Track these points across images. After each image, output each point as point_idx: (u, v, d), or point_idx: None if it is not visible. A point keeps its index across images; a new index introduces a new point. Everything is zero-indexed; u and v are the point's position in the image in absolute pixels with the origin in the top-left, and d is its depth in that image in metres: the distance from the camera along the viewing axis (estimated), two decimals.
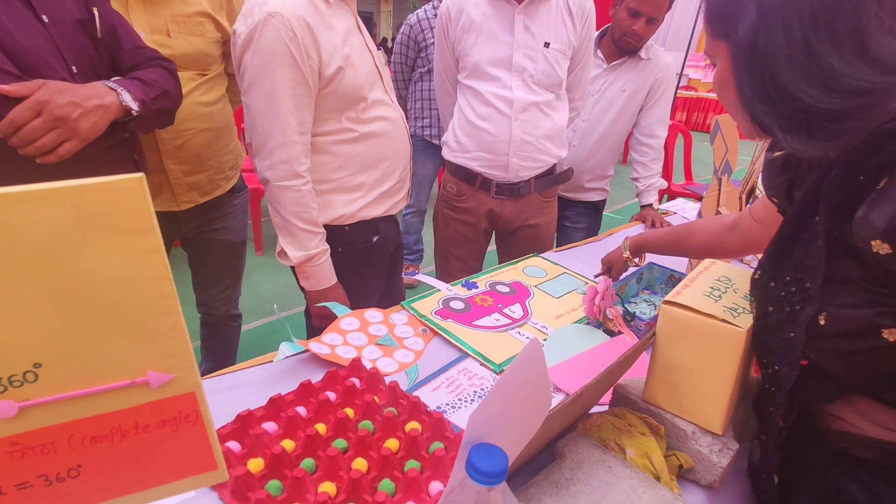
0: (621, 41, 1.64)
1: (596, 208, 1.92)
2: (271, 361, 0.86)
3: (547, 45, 1.38)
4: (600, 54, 1.71)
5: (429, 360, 0.93)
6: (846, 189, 0.49)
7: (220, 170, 1.37)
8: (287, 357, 0.87)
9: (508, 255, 1.63)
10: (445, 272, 1.68)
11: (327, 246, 1.15)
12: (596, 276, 1.25)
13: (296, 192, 1.08)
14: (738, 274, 0.74)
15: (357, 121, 1.13)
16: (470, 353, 0.94)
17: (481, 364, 0.92)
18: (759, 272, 0.61)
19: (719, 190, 1.26)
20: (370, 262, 1.30)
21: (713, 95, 9.63)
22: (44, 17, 0.85)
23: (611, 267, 1.17)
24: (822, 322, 0.52)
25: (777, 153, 0.70)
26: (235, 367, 0.86)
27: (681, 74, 7.11)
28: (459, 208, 1.58)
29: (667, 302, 0.66)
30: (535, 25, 1.37)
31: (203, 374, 0.67)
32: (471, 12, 1.39)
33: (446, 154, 1.56)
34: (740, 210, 1.39)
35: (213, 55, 1.28)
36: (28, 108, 0.78)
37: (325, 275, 1.17)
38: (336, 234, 1.21)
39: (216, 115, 1.31)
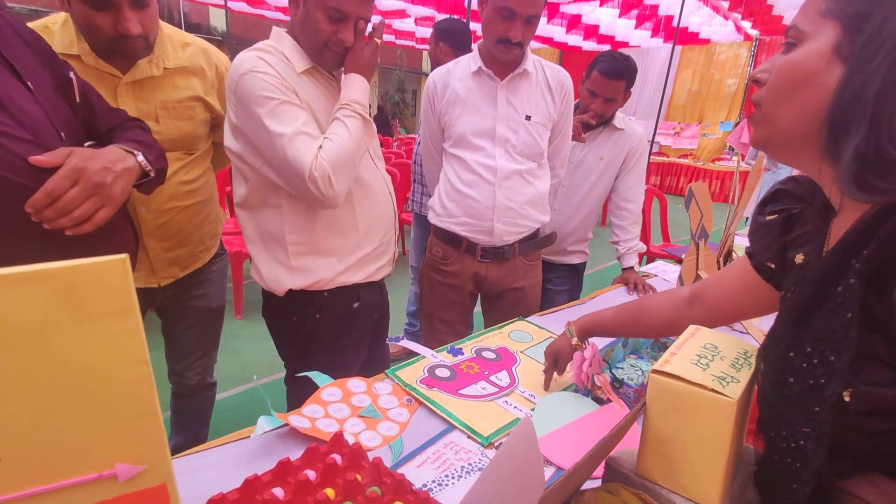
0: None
1: (577, 270, 1.95)
2: (248, 437, 0.82)
3: (528, 117, 1.45)
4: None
5: (414, 433, 0.89)
6: (882, 265, 0.46)
7: (200, 242, 1.36)
8: (265, 432, 0.83)
9: (494, 318, 1.62)
10: (431, 336, 1.66)
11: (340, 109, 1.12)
12: (543, 371, 1.05)
13: (322, 160, 1.04)
14: (724, 341, 0.74)
15: None
16: (457, 424, 0.91)
17: (468, 437, 0.89)
18: (771, 340, 0.59)
19: (697, 254, 1.29)
20: (351, 330, 1.28)
21: (684, 161, 10.12)
22: (29, 83, 0.84)
23: (557, 359, 1.01)
24: (846, 399, 0.49)
25: (770, 216, 0.69)
26: (209, 444, 0.81)
27: (652, 141, 7.49)
28: (445, 272, 1.58)
29: (656, 371, 0.65)
30: (516, 100, 1.45)
31: (172, 450, 0.62)
32: (456, 87, 1.47)
33: (432, 219, 1.59)
34: None
35: (201, 135, 1.29)
36: (65, 177, 0.75)
37: (355, 87, 1.13)
38: (314, 300, 1.20)
39: (198, 190, 1.31)
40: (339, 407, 0.93)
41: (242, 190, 1.17)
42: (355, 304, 1.25)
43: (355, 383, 1.00)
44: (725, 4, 7.36)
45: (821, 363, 0.51)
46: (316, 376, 1.00)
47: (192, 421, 1.64)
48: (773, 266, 0.70)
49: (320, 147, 1.05)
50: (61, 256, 0.86)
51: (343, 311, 1.24)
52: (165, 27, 1.21)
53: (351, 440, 0.83)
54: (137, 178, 0.91)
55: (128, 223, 1.04)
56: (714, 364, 0.67)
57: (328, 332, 1.23)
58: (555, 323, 1.41)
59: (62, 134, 0.88)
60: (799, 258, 0.62)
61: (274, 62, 1.07)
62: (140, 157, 0.90)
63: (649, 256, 3.67)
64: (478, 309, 1.73)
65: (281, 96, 1.04)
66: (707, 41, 9.61)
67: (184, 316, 1.45)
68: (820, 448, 0.52)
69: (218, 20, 13.23)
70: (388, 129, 10.42)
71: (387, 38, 11.70)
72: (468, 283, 1.58)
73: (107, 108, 1.03)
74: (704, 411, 0.62)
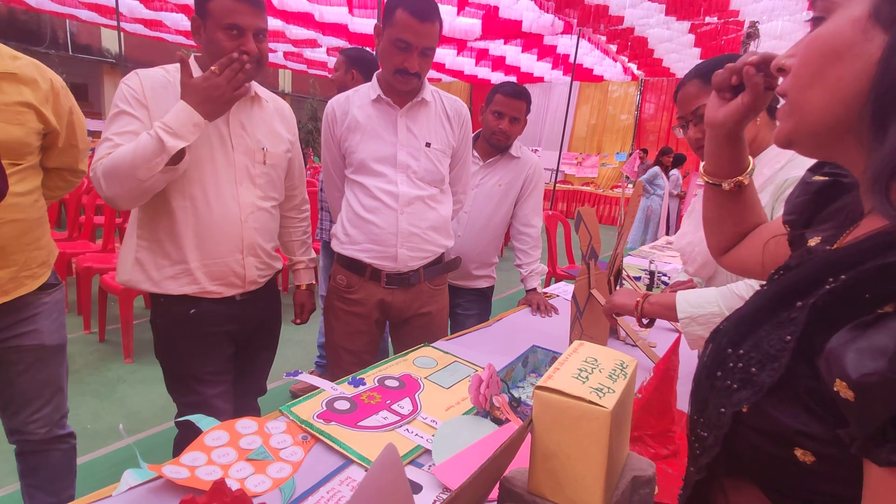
0: (492, 139, 1.83)
1: (485, 295, 1.99)
2: (110, 496, 0.73)
3: (428, 144, 1.48)
4: (476, 153, 1.87)
5: (308, 472, 0.84)
6: (844, 298, 0.40)
7: (26, 266, 1.23)
8: (132, 488, 0.74)
9: (403, 344, 1.60)
10: (338, 367, 1.60)
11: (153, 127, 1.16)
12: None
13: (105, 161, 1.15)
14: (604, 354, 0.78)
15: (170, 188, 1.24)
16: (354, 458, 0.87)
17: (366, 470, 0.85)
18: (722, 326, 0.56)
19: (589, 273, 1.36)
20: (190, 338, 1.34)
21: (587, 188, 10.88)
22: None
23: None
24: (744, 409, 0.47)
25: (817, 177, 0.60)
26: None
27: (557, 170, 7.97)
28: (350, 300, 1.55)
29: (539, 387, 0.67)
30: (416, 127, 1.48)
31: None
32: (355, 114, 1.47)
33: (335, 246, 1.55)
34: (609, 293, 1.51)
35: (31, 146, 1.21)
36: None
37: (174, 115, 1.14)
38: (157, 304, 1.35)
39: (27, 207, 1.21)
40: (225, 451, 0.86)
41: None
42: (191, 311, 1.32)
43: (245, 424, 0.93)
44: (614, 48, 8.13)
45: (743, 369, 0.48)
46: (199, 419, 0.92)
47: (50, 483, 1.41)
48: (788, 228, 0.62)
49: (108, 154, 1.16)
50: None
51: (179, 318, 1.33)
52: None
53: (235, 486, 0.76)
54: None
55: None
56: (593, 376, 0.70)
57: (168, 337, 1.36)
58: (461, 347, 1.42)
59: None
60: (813, 241, 0.55)
61: (151, 77, 1.23)
62: None
63: (557, 277, 3.85)
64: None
65: (124, 106, 1.19)
66: (601, 78, 10.54)
67: (14, 359, 1.27)
68: (715, 445, 0.52)
69: (111, 42, 12.36)
70: (303, 157, 10.21)
71: (299, 67, 11.57)
72: (374, 311, 1.55)
73: None
74: (583, 423, 0.64)
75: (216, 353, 1.39)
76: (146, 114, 1.20)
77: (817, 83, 0.44)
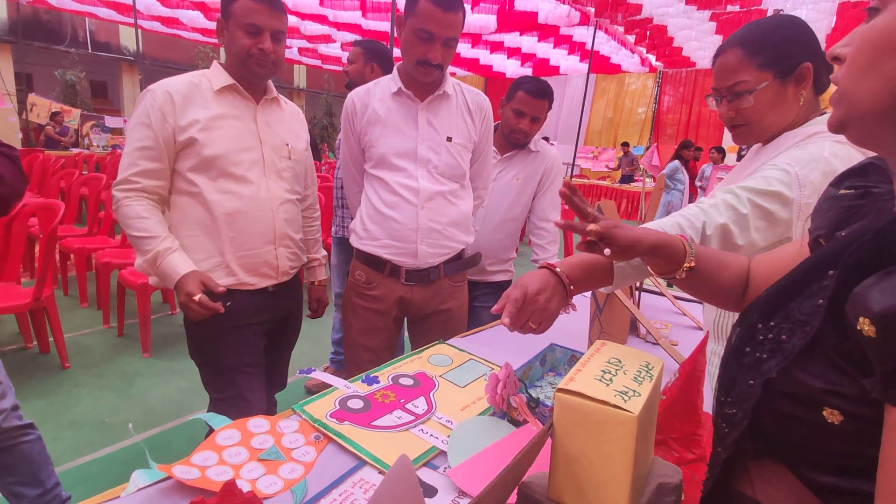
0: (511, 137, 1.78)
1: (502, 288, 1.95)
2: (118, 497, 0.71)
3: (449, 139, 1.45)
4: (493, 147, 1.83)
5: (321, 473, 0.82)
6: (873, 253, 0.42)
7: None
8: (140, 489, 0.73)
9: (422, 341, 1.58)
10: (355, 364, 1.59)
11: (171, 244, 1.30)
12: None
13: (124, 206, 1.28)
14: (628, 354, 0.74)
15: (205, 184, 1.31)
16: (368, 459, 0.85)
17: (380, 472, 0.83)
18: (751, 308, 0.57)
19: None
20: (225, 329, 1.36)
21: (603, 182, 10.74)
22: None
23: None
24: (773, 375, 0.48)
25: (844, 191, 0.62)
26: None
27: (573, 164, 7.88)
28: (369, 296, 1.53)
29: (560, 389, 0.64)
30: (437, 121, 1.44)
31: None
32: (376, 107, 1.44)
33: (354, 242, 1.53)
34: (630, 290, 1.46)
35: None
36: None
37: (176, 267, 1.27)
38: None
39: None
40: (237, 451, 0.84)
41: None
42: (227, 304, 1.33)
43: (257, 423, 0.91)
44: (631, 39, 7.98)
45: (773, 339, 0.50)
46: (211, 418, 0.90)
47: (34, 476, 1.42)
48: (823, 242, 0.62)
49: (126, 196, 1.28)
50: None
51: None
52: None
53: (246, 488, 0.74)
54: None
55: None
56: (617, 379, 0.67)
57: (206, 331, 1.36)
58: (476, 344, 1.39)
59: None
60: (842, 233, 0.57)
61: (175, 89, 1.29)
62: None
63: None
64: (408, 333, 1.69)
65: (144, 119, 1.27)
66: (618, 67, 10.36)
67: None
68: (744, 420, 0.52)
69: (129, 40, 12.52)
70: (317, 152, 10.22)
71: (314, 62, 11.60)
72: (393, 308, 1.53)
73: None
74: (608, 427, 0.61)
75: (252, 344, 1.43)
76: (167, 126, 1.28)
77: (870, 73, 0.46)
